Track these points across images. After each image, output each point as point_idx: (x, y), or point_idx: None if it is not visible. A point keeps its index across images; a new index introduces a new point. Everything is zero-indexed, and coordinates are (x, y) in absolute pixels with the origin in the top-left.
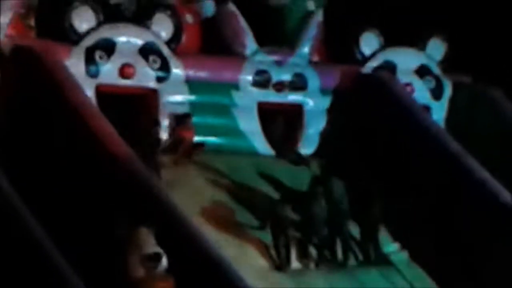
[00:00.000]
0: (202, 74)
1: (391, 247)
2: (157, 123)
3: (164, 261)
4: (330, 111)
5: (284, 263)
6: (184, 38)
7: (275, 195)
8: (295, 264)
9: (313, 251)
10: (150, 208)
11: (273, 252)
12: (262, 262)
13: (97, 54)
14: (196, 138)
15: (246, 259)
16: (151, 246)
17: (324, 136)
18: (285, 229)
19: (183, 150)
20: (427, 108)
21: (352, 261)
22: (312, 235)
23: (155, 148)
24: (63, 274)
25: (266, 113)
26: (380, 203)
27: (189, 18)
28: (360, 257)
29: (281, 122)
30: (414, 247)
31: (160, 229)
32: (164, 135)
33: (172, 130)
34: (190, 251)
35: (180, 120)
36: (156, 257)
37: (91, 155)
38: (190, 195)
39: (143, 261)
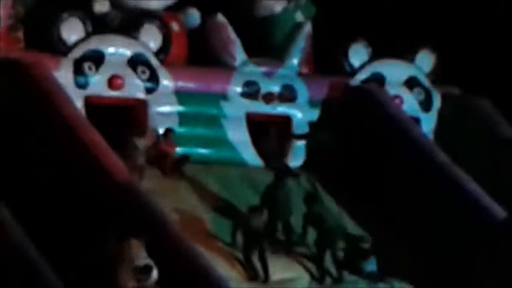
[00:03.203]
0: (191, 85)
1: None
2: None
3: (155, 273)
4: (319, 123)
5: (258, 275)
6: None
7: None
8: (276, 276)
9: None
10: (141, 220)
11: (244, 264)
12: (234, 274)
13: (86, 65)
14: (185, 149)
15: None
16: (142, 258)
17: (312, 149)
18: (260, 242)
19: (168, 165)
20: (416, 120)
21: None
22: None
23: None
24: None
25: (256, 124)
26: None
27: (175, 26)
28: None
29: (273, 133)
30: (405, 260)
31: (150, 241)
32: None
33: (154, 144)
34: (181, 263)
35: (163, 135)
36: (147, 269)
37: (82, 166)
38: (170, 205)
39: (134, 273)
